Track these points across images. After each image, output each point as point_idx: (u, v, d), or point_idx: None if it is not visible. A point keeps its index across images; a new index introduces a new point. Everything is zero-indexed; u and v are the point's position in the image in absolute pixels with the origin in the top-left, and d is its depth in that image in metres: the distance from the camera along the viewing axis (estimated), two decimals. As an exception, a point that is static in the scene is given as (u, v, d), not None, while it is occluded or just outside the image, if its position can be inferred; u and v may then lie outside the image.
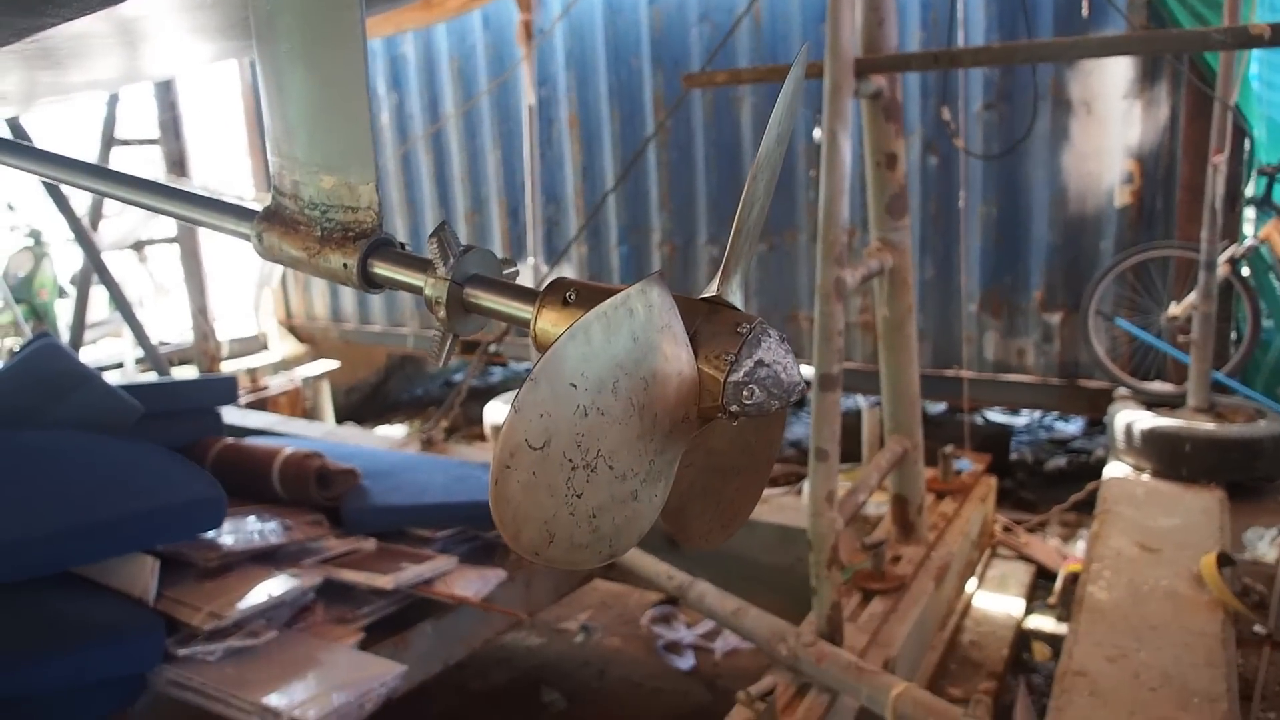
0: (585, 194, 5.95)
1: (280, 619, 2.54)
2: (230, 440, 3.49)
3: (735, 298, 0.81)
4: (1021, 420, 6.51)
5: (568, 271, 6.13)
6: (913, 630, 2.78)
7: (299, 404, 6.43)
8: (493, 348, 5.98)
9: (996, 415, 6.55)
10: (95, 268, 4.87)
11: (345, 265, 0.95)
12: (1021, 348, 4.84)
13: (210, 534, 2.76)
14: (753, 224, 0.80)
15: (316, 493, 3.14)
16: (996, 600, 3.94)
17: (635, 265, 5.88)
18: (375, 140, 0.95)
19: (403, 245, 0.97)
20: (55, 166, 1.14)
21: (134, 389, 3.29)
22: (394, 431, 6.90)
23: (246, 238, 1.03)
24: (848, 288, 2.58)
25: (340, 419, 7.17)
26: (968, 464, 3.81)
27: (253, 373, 6.56)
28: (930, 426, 5.46)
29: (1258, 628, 2.78)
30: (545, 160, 6.00)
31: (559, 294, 0.80)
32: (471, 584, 3.04)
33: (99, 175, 1.11)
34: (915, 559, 3.07)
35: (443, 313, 0.89)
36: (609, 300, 0.66)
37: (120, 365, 6.46)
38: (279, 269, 7.34)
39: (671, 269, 5.75)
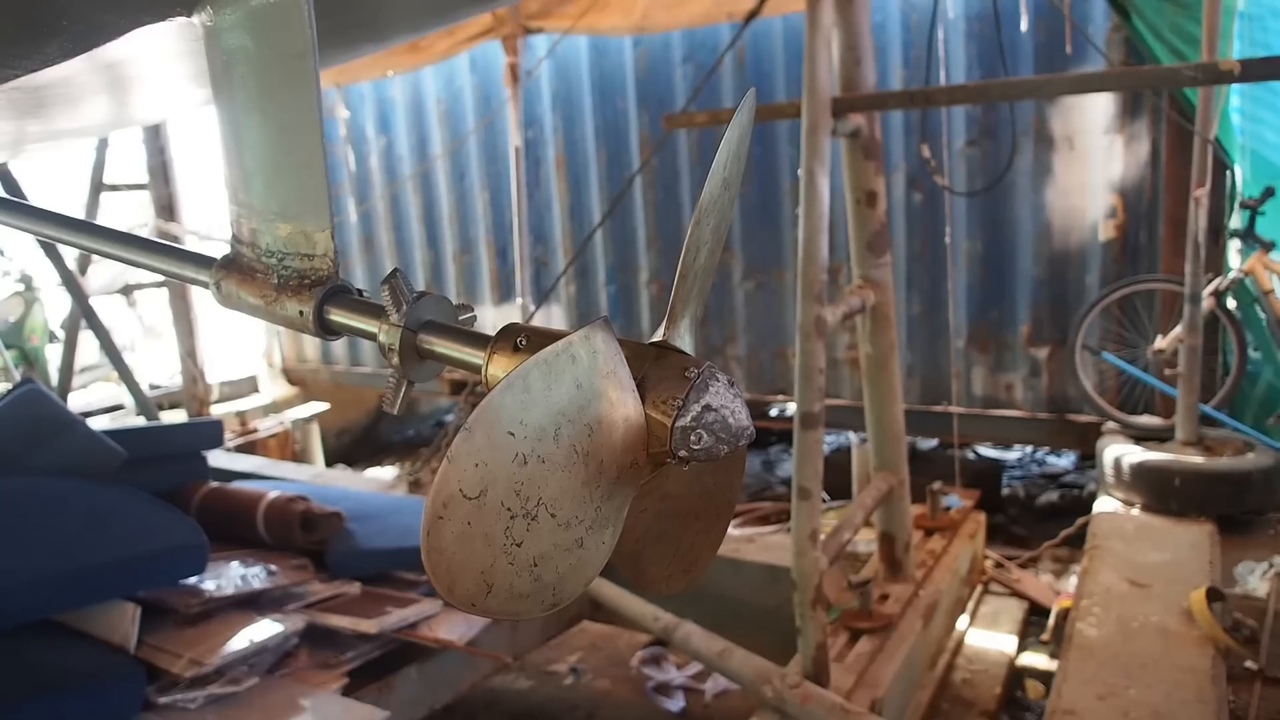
0: (573, 234, 5.98)
1: (263, 665, 2.51)
2: (215, 485, 3.47)
3: (684, 342, 0.81)
4: (1013, 455, 6.49)
5: (557, 312, 6.15)
6: (900, 669, 2.75)
7: (289, 446, 6.41)
8: (480, 388, 5.93)
9: (988, 450, 6.54)
10: (83, 312, 4.88)
11: (301, 312, 0.96)
12: (1009, 382, 4.85)
13: (193, 580, 2.74)
14: (700, 268, 0.80)
15: (301, 537, 3.12)
16: (989, 637, 3.90)
17: (623, 304, 5.90)
18: (333, 188, 0.95)
19: (360, 291, 0.98)
20: (10, 212, 1.14)
21: (118, 434, 3.28)
22: (384, 473, 6.87)
23: (206, 285, 1.03)
24: (828, 326, 2.58)
25: (331, 461, 7.15)
26: (956, 500, 3.79)
27: (242, 415, 6.55)
28: (921, 462, 5.48)
29: (1249, 663, 2.76)
30: (533, 201, 6.04)
31: (510, 340, 0.80)
32: (456, 627, 3.01)
33: (58, 223, 1.11)
34: (903, 597, 3.04)
35: (396, 359, 0.89)
36: (550, 348, 0.66)
37: (120, 407, 6.45)
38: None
39: (659, 308, 5.76)
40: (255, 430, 6.21)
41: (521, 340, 0.78)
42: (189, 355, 5.92)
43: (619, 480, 0.70)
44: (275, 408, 6.95)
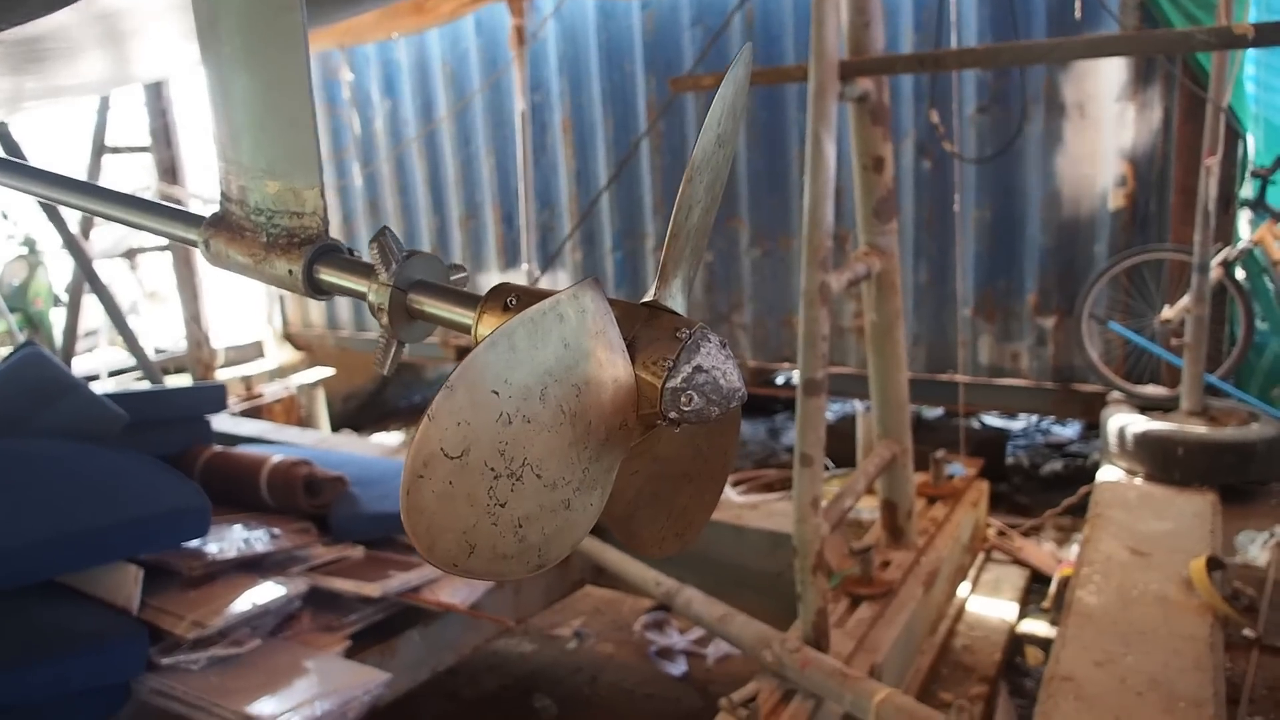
0: (579, 199, 5.94)
1: (265, 627, 2.52)
2: (219, 448, 3.48)
3: (676, 302, 0.80)
4: (1018, 425, 6.48)
5: (563, 278, 6.12)
6: (900, 635, 2.76)
7: (294, 411, 6.42)
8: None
9: (993, 420, 6.53)
10: (86, 276, 4.87)
11: (290, 271, 0.95)
12: (1016, 352, 4.82)
13: (195, 543, 2.75)
14: (694, 227, 0.79)
15: (304, 500, 3.13)
16: (990, 604, 3.91)
17: (630, 270, 5.87)
18: (338, 152, 0.94)
19: (351, 251, 0.96)
20: (-2, 171, 1.13)
21: (121, 397, 3.28)
22: (389, 438, 6.89)
23: (195, 244, 1.02)
24: (833, 292, 2.57)
25: (337, 426, 7.16)
26: (960, 468, 3.79)
27: (248, 380, 6.56)
28: (926, 431, 5.47)
29: (1247, 631, 2.77)
30: (539, 166, 5.99)
31: (500, 300, 0.79)
32: (459, 591, 3.03)
33: (45, 180, 1.10)
34: (904, 564, 3.05)
35: (386, 319, 0.88)
36: (537, 306, 0.65)
37: (125, 371, 6.46)
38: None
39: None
40: (260, 395, 6.22)
41: (512, 300, 0.77)
42: (193, 319, 5.92)
43: (607, 442, 0.69)
44: (281, 373, 6.96)
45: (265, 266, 0.97)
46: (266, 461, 3.25)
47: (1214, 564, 2.80)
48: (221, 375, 6.39)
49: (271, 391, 6.33)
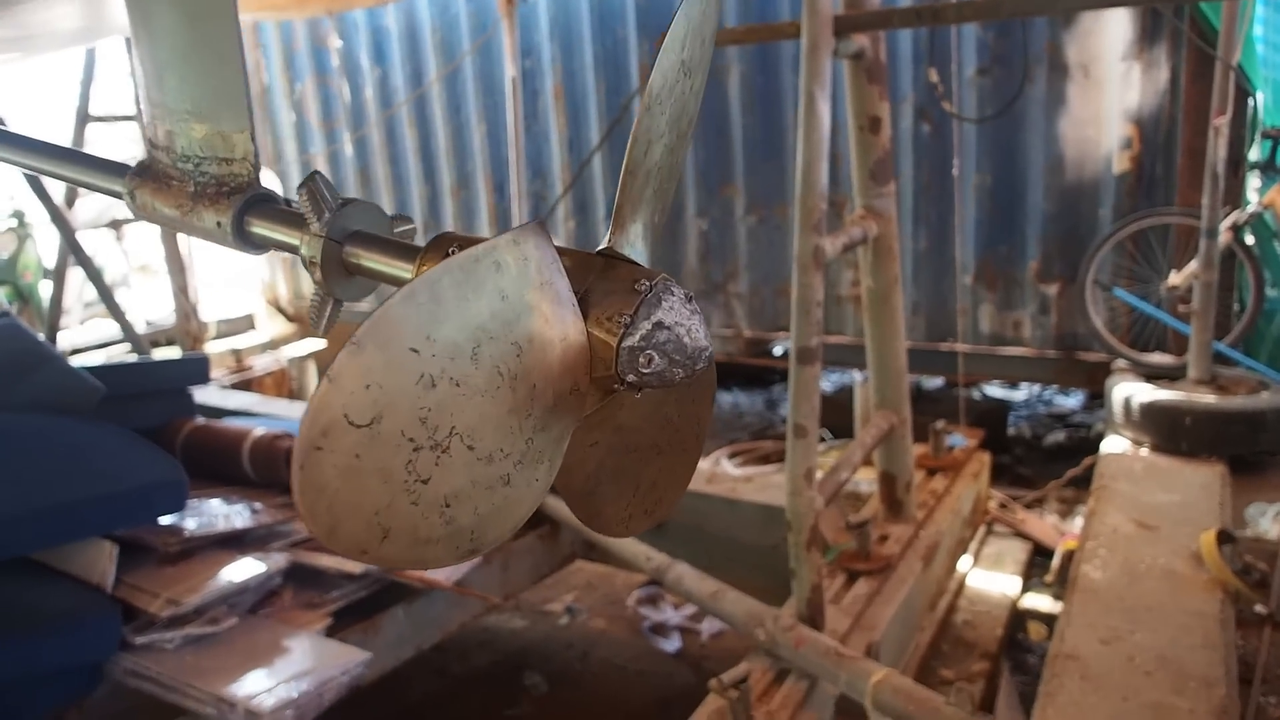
0: (571, 168, 5.82)
1: (244, 605, 2.45)
2: (201, 422, 3.40)
3: (636, 251, 0.70)
4: (1020, 395, 6.41)
5: (556, 247, 6.00)
6: (898, 612, 2.69)
7: (285, 384, 6.33)
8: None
9: (995, 390, 6.45)
10: (71, 247, 4.77)
11: (219, 224, 0.86)
12: (1018, 320, 4.72)
13: (173, 518, 2.67)
14: (655, 166, 0.69)
15: (287, 474, 3.04)
16: (992, 579, 3.85)
17: (624, 240, 5.75)
18: (247, 84, 0.84)
19: (288, 202, 0.87)
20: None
21: (99, 370, 3.20)
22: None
23: (119, 195, 0.93)
24: (827, 256, 2.47)
25: (331, 399, 7.07)
26: (960, 439, 3.70)
27: (239, 353, 6.47)
28: (927, 402, 5.39)
29: (1258, 607, 2.68)
30: (530, 134, 5.87)
31: (441, 250, 0.70)
32: (444, 567, 2.97)
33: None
34: (903, 538, 2.97)
35: (318, 274, 0.79)
36: (467, 252, 0.55)
37: (114, 343, 6.38)
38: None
39: (661, 243, 5.61)
40: (250, 367, 6.13)
41: (454, 250, 0.68)
42: (181, 291, 5.82)
43: (556, 409, 0.60)
44: (272, 345, 6.87)
45: (193, 219, 0.88)
46: (249, 435, 3.17)
47: (1224, 537, 2.72)
48: (212, 348, 6.30)
49: (262, 364, 6.24)
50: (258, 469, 3.10)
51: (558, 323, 0.59)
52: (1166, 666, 2.34)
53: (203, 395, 4.25)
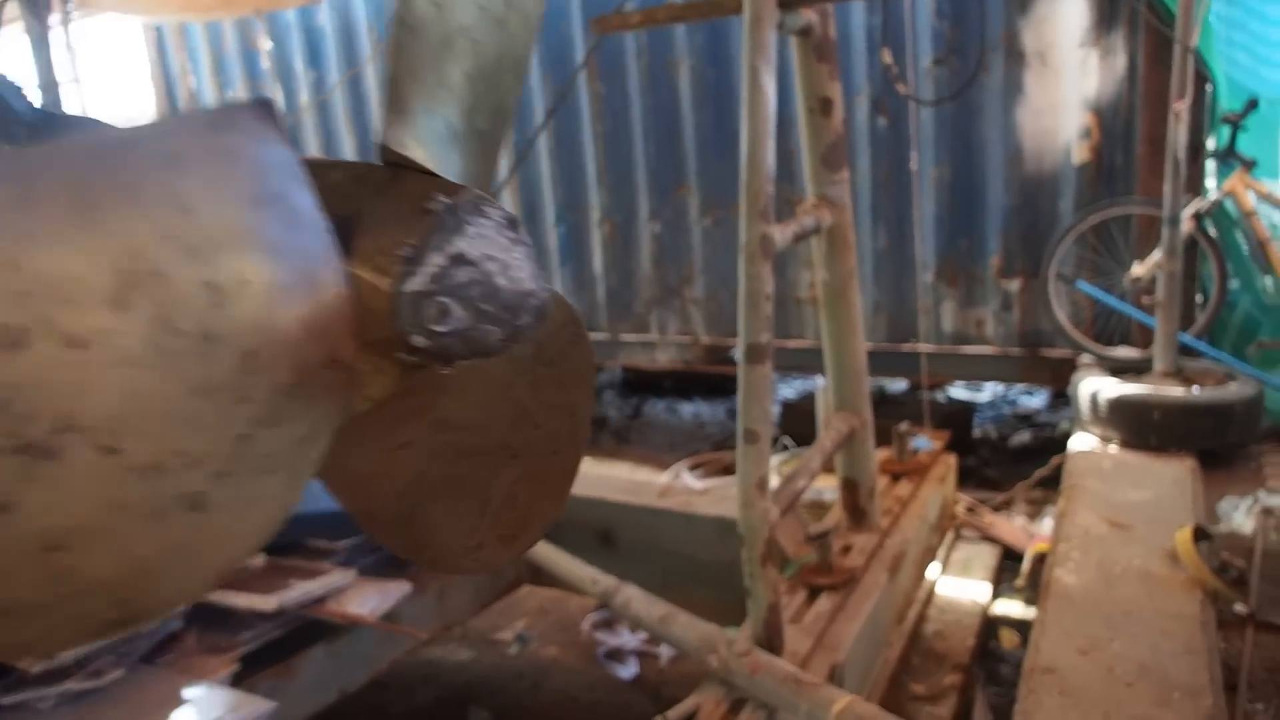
0: (520, 171, 5.61)
1: (136, 653, 2.20)
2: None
3: (430, 154, 0.49)
4: (984, 396, 6.30)
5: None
6: (864, 628, 2.50)
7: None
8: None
9: (959, 391, 6.33)
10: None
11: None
12: (980, 318, 4.58)
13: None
14: (458, 31, 0.48)
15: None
16: (961, 586, 3.70)
17: (574, 245, 5.57)
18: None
19: None
20: None
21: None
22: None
23: None
24: (777, 246, 2.29)
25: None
26: (926, 442, 3.53)
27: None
28: (890, 405, 5.23)
29: (1238, 607, 2.53)
30: (474, 137, 5.64)
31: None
32: (369, 600, 2.75)
33: None
34: (867, 548, 2.78)
35: None
36: (107, 128, 0.34)
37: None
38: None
39: (612, 248, 5.43)
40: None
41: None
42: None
43: (299, 391, 0.38)
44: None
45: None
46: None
47: (1200, 534, 2.56)
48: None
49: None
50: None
51: (294, 257, 0.38)
52: (1149, 676, 2.16)
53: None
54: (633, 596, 2.63)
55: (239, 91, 6.57)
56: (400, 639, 2.81)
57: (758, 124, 2.23)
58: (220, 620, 2.40)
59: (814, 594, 2.60)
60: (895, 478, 3.29)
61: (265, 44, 6.21)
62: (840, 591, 2.59)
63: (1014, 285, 4.45)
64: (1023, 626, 3.46)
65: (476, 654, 3.74)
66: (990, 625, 3.46)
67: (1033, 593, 3.63)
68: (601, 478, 4.06)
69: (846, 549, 2.78)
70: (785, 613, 2.46)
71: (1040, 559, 3.65)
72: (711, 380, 6.18)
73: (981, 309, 4.56)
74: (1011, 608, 3.64)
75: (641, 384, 7.15)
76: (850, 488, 2.87)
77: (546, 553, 3.08)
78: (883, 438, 3.37)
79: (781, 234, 2.33)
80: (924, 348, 4.48)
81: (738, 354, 2.29)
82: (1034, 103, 4.23)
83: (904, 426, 3.37)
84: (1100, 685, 2.15)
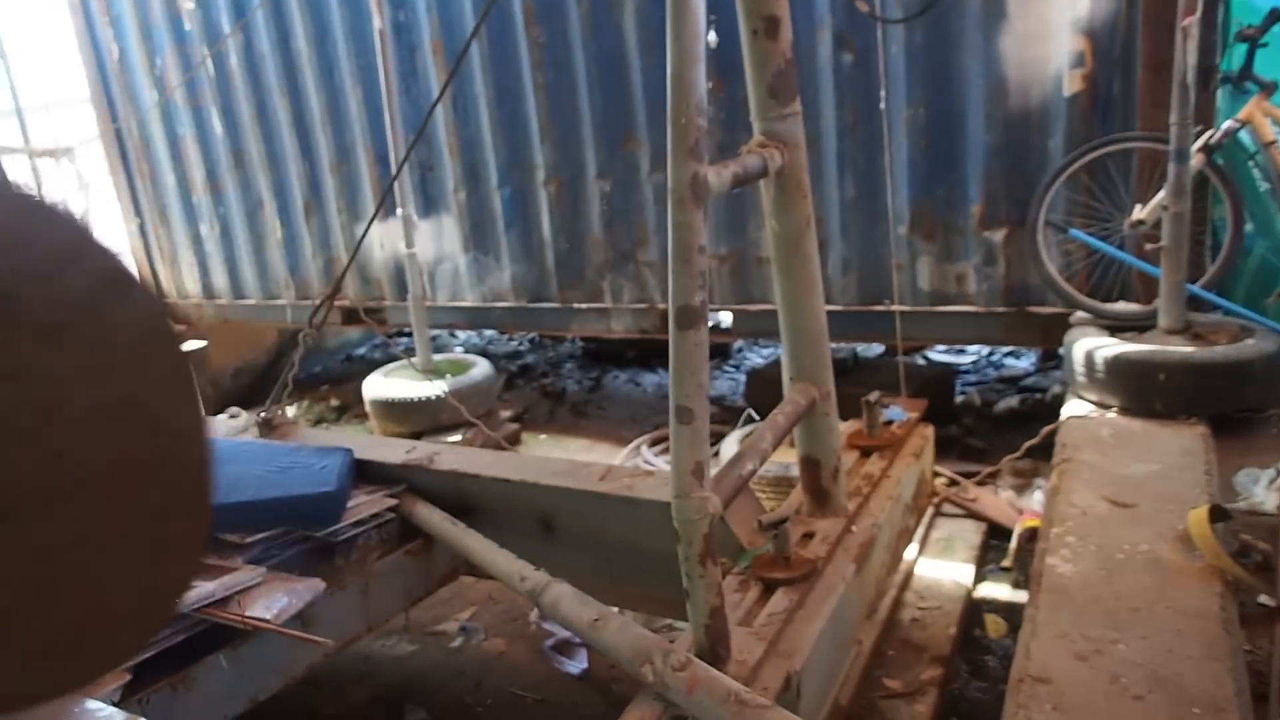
0: (459, 131, 5.19)
1: None
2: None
3: None
4: (967, 359, 5.98)
5: (448, 223, 5.39)
6: (826, 629, 2.15)
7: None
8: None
9: (939, 354, 6.00)
10: None
11: None
12: (961, 273, 4.20)
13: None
14: None
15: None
16: (942, 568, 3.45)
17: (520, 207, 5.17)
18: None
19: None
20: None
21: None
22: (233, 416, 6.24)
23: None
24: (711, 190, 1.92)
25: (226, 404, 6.44)
26: (899, 413, 3.18)
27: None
28: (864, 372, 4.88)
29: (1263, 598, 2.18)
30: (410, 95, 5.22)
31: None
32: (276, 601, 2.47)
33: None
34: (831, 535, 2.43)
35: None
36: None
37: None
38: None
39: (561, 209, 5.03)
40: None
41: None
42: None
43: None
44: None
45: None
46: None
47: (1217, 514, 2.21)
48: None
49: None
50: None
51: None
52: (1162, 687, 1.82)
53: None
54: (562, 595, 2.28)
55: (168, 60, 6.13)
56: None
57: (684, 44, 1.88)
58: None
59: (769, 590, 2.25)
60: (865, 453, 2.93)
61: (187, 4, 5.76)
62: (799, 587, 2.24)
63: (998, 236, 4.07)
64: (1010, 612, 3.18)
65: (417, 648, 3.50)
66: (974, 611, 3.20)
67: (1021, 574, 3.34)
68: (540, 460, 3.72)
69: (807, 537, 2.43)
70: (734, 614, 2.11)
71: (1030, 536, 3.35)
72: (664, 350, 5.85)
73: (962, 263, 4.18)
74: (998, 591, 3.37)
75: (604, 354, 6.81)
76: (811, 467, 2.51)
77: (474, 543, 2.74)
78: (854, 409, 3.02)
79: (718, 176, 1.96)
80: (899, 308, 4.11)
81: (669, 319, 1.92)
82: (1019, 28, 3.80)
83: (874, 396, 3.00)
84: (1103, 699, 1.81)
